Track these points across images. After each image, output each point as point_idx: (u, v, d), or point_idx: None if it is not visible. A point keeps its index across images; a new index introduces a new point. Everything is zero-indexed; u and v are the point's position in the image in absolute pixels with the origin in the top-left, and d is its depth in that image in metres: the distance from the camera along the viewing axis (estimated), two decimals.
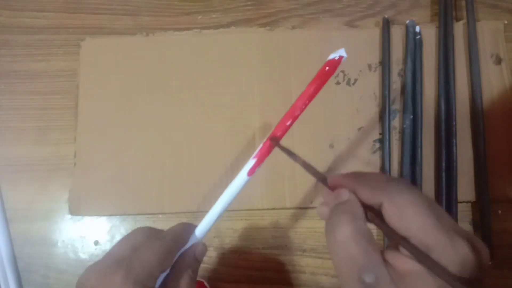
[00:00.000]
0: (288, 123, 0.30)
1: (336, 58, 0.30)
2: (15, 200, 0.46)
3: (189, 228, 0.30)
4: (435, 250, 0.20)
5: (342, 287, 0.22)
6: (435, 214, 0.22)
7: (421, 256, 0.21)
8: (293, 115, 0.30)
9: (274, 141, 0.30)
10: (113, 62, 0.49)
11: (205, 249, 0.31)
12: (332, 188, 0.26)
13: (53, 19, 0.51)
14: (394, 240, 0.22)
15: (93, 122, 0.47)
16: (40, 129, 0.48)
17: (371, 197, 0.24)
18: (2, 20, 0.51)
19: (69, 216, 0.45)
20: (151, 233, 0.29)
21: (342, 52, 0.28)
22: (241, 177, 0.30)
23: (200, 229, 0.30)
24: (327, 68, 0.29)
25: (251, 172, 0.29)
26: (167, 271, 0.28)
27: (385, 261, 0.22)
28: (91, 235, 0.45)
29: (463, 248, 0.20)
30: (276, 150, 0.30)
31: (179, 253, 0.29)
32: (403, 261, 0.21)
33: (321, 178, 0.27)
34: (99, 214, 0.45)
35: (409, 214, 0.22)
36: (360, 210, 0.24)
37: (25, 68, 0.49)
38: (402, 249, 0.22)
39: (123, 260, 0.26)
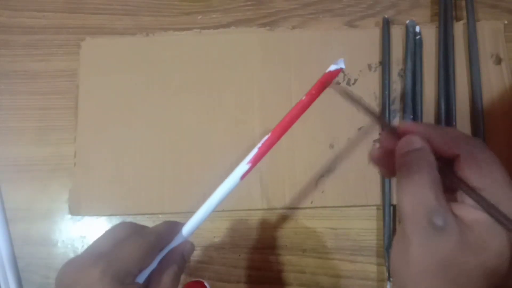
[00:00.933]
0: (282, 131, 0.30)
1: (334, 70, 0.31)
2: (15, 200, 0.46)
3: (174, 226, 0.30)
4: (504, 204, 0.21)
5: (406, 229, 0.22)
6: (508, 175, 0.23)
7: (490, 207, 0.21)
8: (288, 122, 0.30)
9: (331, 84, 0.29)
10: (113, 62, 0.49)
11: (193, 248, 0.30)
12: (401, 135, 0.25)
13: (53, 19, 0.51)
14: (465, 190, 0.23)
15: (93, 122, 0.47)
16: (40, 129, 0.48)
17: (447, 148, 0.24)
18: (2, 20, 0.51)
19: (69, 216, 0.45)
20: (135, 229, 0.29)
21: (341, 63, 0.28)
22: (233, 180, 0.29)
23: (187, 228, 0.30)
24: (326, 79, 0.29)
25: (243, 177, 0.29)
26: (154, 266, 0.28)
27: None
28: (91, 235, 0.45)
29: None
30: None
31: (165, 251, 0.29)
32: (469, 211, 0.22)
33: (384, 124, 0.26)
34: (99, 214, 0.45)
35: (487, 170, 0.23)
36: (434, 160, 0.24)
37: (25, 68, 0.49)
38: (468, 200, 0.22)
39: (103, 254, 0.26)
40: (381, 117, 0.27)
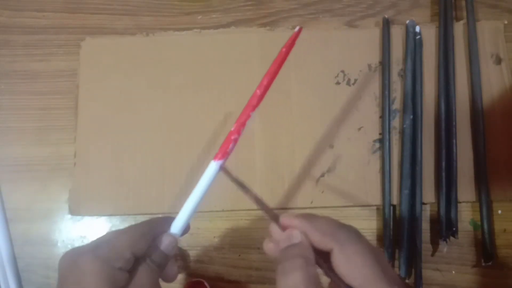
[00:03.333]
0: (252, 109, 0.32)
1: (296, 30, 0.33)
2: (15, 200, 0.46)
3: (170, 219, 0.31)
4: None
5: None
6: (381, 266, 0.23)
7: None
8: (258, 95, 0.33)
9: (223, 169, 0.31)
10: (113, 62, 0.49)
11: (173, 240, 0.30)
12: (284, 227, 0.27)
13: (53, 19, 0.51)
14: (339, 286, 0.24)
15: (93, 122, 0.47)
16: (40, 129, 0.48)
17: (321, 243, 0.25)
18: (2, 20, 0.51)
19: (69, 216, 0.45)
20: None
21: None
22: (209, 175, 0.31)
23: (175, 224, 0.30)
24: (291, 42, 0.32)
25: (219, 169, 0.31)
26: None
27: None
28: (91, 235, 0.45)
29: None
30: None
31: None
32: None
33: (273, 216, 0.28)
34: (99, 214, 0.45)
35: (357, 264, 0.23)
36: (311, 254, 0.25)
37: (25, 68, 0.49)
38: None
39: (98, 241, 0.27)
40: (269, 209, 0.28)
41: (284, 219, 0.27)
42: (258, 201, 0.28)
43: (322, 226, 0.25)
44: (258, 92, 0.32)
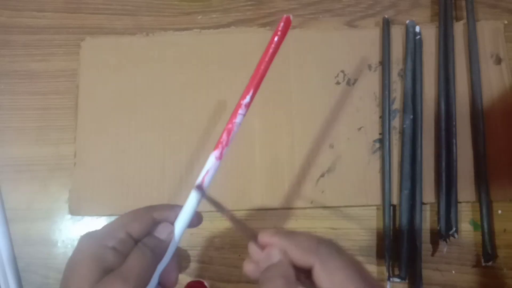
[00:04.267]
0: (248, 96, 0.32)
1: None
2: (15, 200, 0.45)
3: (175, 208, 0.30)
4: None
5: None
6: (363, 279, 0.23)
7: None
8: (254, 83, 0.32)
9: (200, 191, 0.30)
10: (113, 62, 0.49)
11: (168, 226, 0.29)
12: (263, 246, 0.26)
13: (53, 19, 0.51)
14: None
15: (93, 122, 0.47)
16: (40, 129, 0.48)
17: (302, 259, 0.24)
18: (2, 20, 0.51)
19: (69, 216, 0.45)
20: None
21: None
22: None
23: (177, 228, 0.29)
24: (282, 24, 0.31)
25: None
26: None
27: None
28: None
29: None
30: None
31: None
32: None
33: (251, 235, 0.27)
34: (99, 214, 0.45)
35: (339, 279, 0.23)
36: (292, 273, 0.24)
37: (25, 68, 0.49)
38: None
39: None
40: (246, 228, 0.27)
41: (263, 236, 0.26)
42: (234, 220, 0.28)
43: (302, 243, 0.25)
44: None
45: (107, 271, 0.24)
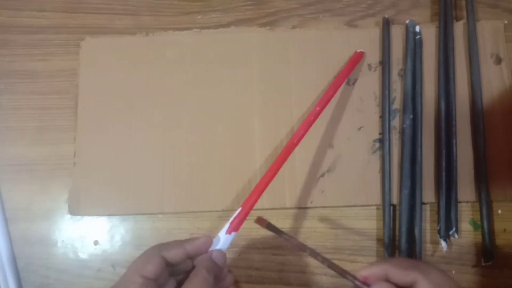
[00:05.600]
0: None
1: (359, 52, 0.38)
2: (15, 200, 0.45)
3: (181, 242, 0.32)
4: None
5: None
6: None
7: None
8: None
9: (265, 224, 0.33)
10: (113, 61, 0.49)
11: (223, 254, 0.32)
12: (363, 280, 0.27)
13: (52, 19, 0.51)
14: None
15: (93, 122, 0.47)
16: (40, 129, 0.47)
17: (404, 276, 0.25)
18: (1, 20, 0.51)
19: (69, 216, 0.45)
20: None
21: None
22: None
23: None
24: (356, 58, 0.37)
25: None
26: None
27: None
28: (91, 235, 0.45)
29: None
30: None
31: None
32: None
33: (349, 276, 0.27)
34: (99, 214, 0.45)
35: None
36: None
37: (24, 68, 0.49)
38: None
39: None
40: (343, 271, 0.28)
41: (363, 271, 0.27)
42: (333, 266, 0.28)
43: (402, 263, 0.26)
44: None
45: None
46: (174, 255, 0.30)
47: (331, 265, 0.28)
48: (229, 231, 0.34)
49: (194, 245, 0.31)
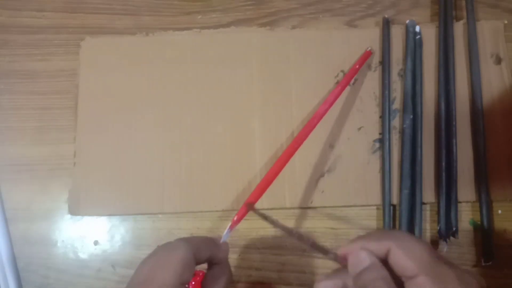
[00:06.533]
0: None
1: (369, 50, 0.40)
2: (15, 200, 0.45)
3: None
4: (443, 281, 0.23)
5: None
6: (435, 252, 0.24)
7: None
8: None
9: (250, 207, 0.34)
10: (113, 61, 0.49)
11: (227, 247, 0.34)
12: (343, 258, 0.26)
13: (52, 19, 0.51)
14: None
15: (93, 122, 0.47)
16: (40, 129, 0.47)
17: (378, 247, 0.25)
18: (1, 19, 0.51)
19: (69, 216, 0.45)
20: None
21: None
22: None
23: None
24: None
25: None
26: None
27: None
28: (91, 235, 0.45)
29: (468, 278, 0.23)
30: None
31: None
32: None
33: (323, 251, 0.27)
34: (99, 214, 0.45)
35: (416, 253, 0.24)
36: (387, 273, 0.25)
37: (24, 68, 0.49)
38: None
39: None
40: (325, 250, 0.27)
41: (342, 249, 0.27)
42: (303, 238, 0.28)
43: (373, 235, 0.26)
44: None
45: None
46: (203, 257, 0.30)
47: (314, 245, 0.28)
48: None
49: (217, 254, 0.32)
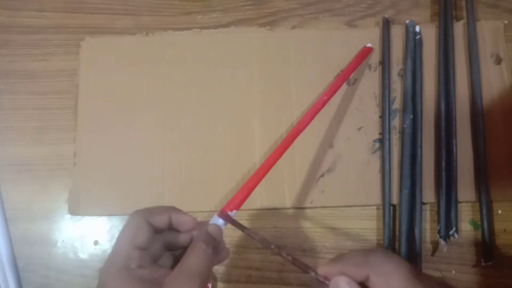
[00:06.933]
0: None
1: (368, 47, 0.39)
2: (15, 200, 0.45)
3: (171, 209, 0.32)
4: None
5: None
6: (416, 275, 0.24)
7: None
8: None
9: (224, 216, 0.31)
10: (113, 61, 0.49)
11: (219, 228, 0.31)
12: (324, 277, 0.27)
13: (52, 19, 0.51)
14: None
15: (93, 121, 0.47)
16: (40, 129, 0.47)
17: (357, 274, 0.25)
18: (1, 20, 0.51)
19: (69, 216, 0.45)
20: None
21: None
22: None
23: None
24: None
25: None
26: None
27: None
28: (91, 235, 0.45)
29: None
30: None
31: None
32: None
33: (304, 267, 0.28)
34: (99, 214, 0.45)
35: (395, 280, 0.24)
36: None
37: (24, 68, 0.49)
38: None
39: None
40: (306, 266, 0.28)
41: (321, 269, 0.27)
42: (296, 262, 0.29)
43: (352, 259, 0.26)
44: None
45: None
46: (159, 221, 0.30)
47: (294, 261, 0.28)
48: (230, 208, 0.33)
49: (179, 217, 0.31)
